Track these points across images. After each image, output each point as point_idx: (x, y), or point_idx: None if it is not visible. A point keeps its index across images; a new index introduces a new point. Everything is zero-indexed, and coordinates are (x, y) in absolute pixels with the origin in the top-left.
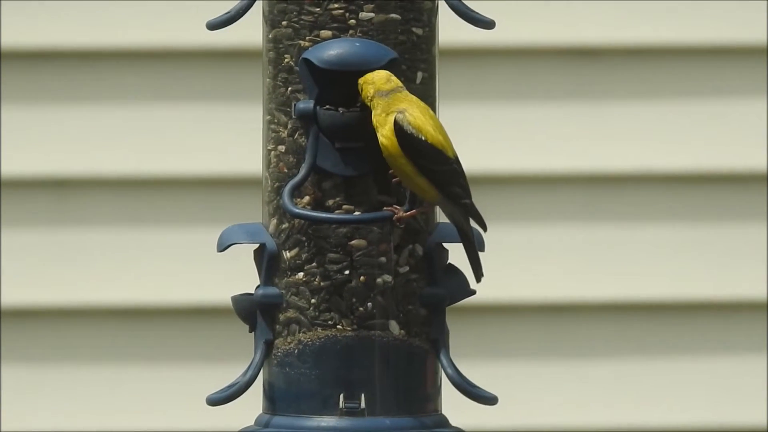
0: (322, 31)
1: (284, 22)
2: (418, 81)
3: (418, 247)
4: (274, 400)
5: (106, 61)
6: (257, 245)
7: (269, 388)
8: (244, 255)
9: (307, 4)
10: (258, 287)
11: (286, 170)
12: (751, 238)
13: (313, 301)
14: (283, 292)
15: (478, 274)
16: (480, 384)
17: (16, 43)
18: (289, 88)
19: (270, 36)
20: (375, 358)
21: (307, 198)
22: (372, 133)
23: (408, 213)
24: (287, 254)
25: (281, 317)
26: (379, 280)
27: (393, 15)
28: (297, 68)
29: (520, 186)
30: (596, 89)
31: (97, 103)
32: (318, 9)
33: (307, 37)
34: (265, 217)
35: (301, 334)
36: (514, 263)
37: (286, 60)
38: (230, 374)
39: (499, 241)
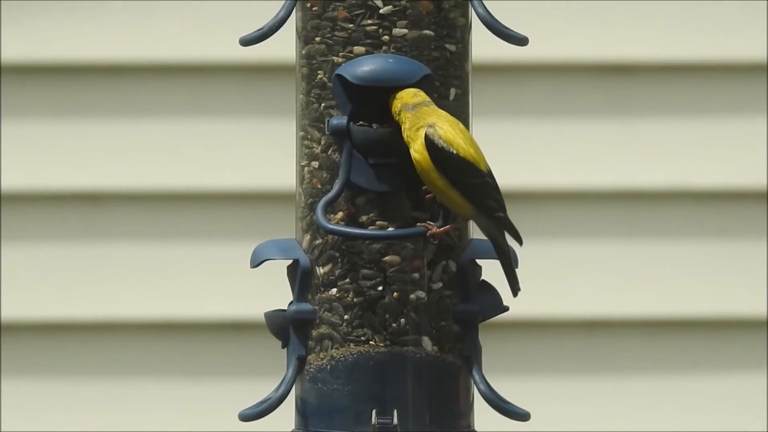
0: (356, 47)
1: (318, 38)
2: (451, 97)
3: (452, 263)
4: (306, 416)
5: (140, 76)
6: (290, 261)
7: (301, 403)
8: (277, 271)
9: (340, 20)
10: (291, 303)
11: (319, 186)
12: None
13: (346, 317)
14: (316, 308)
15: (515, 288)
16: (512, 400)
17: (55, 59)
18: (323, 104)
19: (303, 52)
20: (408, 374)
21: (340, 214)
22: (405, 149)
23: (441, 229)
24: (320, 270)
25: (314, 333)
26: (412, 296)
27: (426, 31)
28: (330, 84)
29: (552, 201)
30: (630, 105)
31: (131, 118)
32: (351, 25)
33: (341, 53)
34: (299, 232)
35: (333, 350)
36: (547, 279)
37: (319, 76)
38: (263, 390)
39: (532, 257)
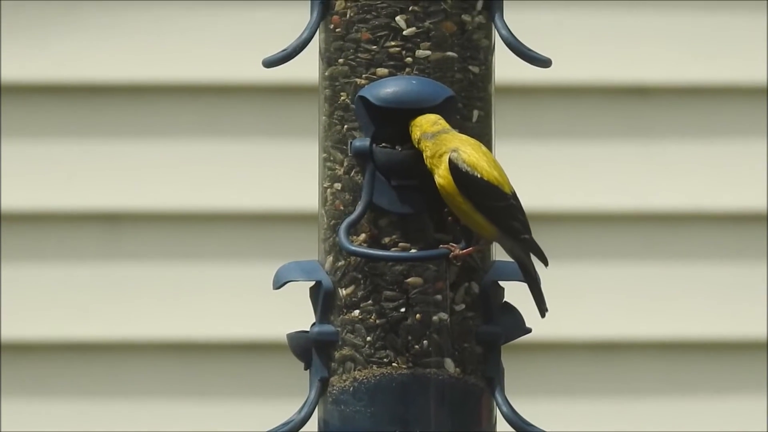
0: (379, 69)
1: (341, 60)
2: (474, 119)
3: (474, 284)
4: None
5: (162, 96)
6: (313, 282)
7: (324, 425)
8: (300, 292)
9: (364, 42)
10: (314, 325)
11: (342, 208)
12: None
13: (368, 338)
14: (339, 329)
15: (542, 309)
16: (535, 422)
17: (76, 79)
18: (345, 126)
19: (326, 73)
20: (430, 396)
21: (363, 236)
22: (427, 170)
23: (464, 251)
24: (343, 292)
25: (336, 355)
26: (435, 317)
27: (450, 53)
28: (353, 106)
29: (574, 223)
30: (652, 127)
31: (154, 138)
32: (375, 46)
33: (364, 75)
34: (322, 254)
35: (356, 372)
36: (569, 300)
37: (342, 98)
38: (285, 411)
39: (555, 278)
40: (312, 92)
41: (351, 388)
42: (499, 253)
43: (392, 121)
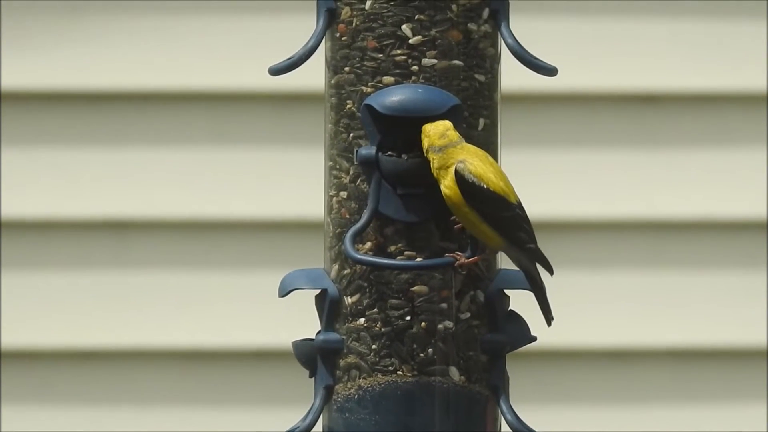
0: (385, 77)
1: (347, 68)
2: (480, 127)
3: (480, 293)
4: None
5: (167, 104)
6: (319, 290)
7: None
8: (305, 300)
9: (370, 50)
10: (319, 332)
11: (348, 216)
12: None
13: (373, 346)
14: (344, 337)
15: (549, 318)
16: (540, 430)
17: (84, 86)
18: (351, 134)
19: (332, 81)
20: (435, 404)
21: (369, 244)
22: (433, 179)
23: (470, 259)
24: (349, 300)
25: (342, 363)
26: (440, 326)
27: (456, 61)
28: (359, 114)
29: (580, 231)
30: (659, 136)
31: (160, 146)
32: (381, 55)
33: (370, 83)
34: (327, 262)
35: (361, 380)
36: (574, 308)
37: (348, 106)
38: (290, 419)
39: (560, 287)
40: (318, 100)
41: (356, 396)
42: (504, 262)
43: (398, 130)
